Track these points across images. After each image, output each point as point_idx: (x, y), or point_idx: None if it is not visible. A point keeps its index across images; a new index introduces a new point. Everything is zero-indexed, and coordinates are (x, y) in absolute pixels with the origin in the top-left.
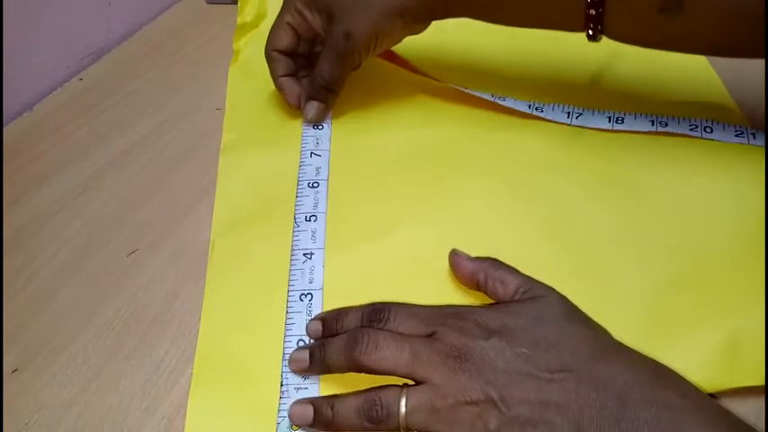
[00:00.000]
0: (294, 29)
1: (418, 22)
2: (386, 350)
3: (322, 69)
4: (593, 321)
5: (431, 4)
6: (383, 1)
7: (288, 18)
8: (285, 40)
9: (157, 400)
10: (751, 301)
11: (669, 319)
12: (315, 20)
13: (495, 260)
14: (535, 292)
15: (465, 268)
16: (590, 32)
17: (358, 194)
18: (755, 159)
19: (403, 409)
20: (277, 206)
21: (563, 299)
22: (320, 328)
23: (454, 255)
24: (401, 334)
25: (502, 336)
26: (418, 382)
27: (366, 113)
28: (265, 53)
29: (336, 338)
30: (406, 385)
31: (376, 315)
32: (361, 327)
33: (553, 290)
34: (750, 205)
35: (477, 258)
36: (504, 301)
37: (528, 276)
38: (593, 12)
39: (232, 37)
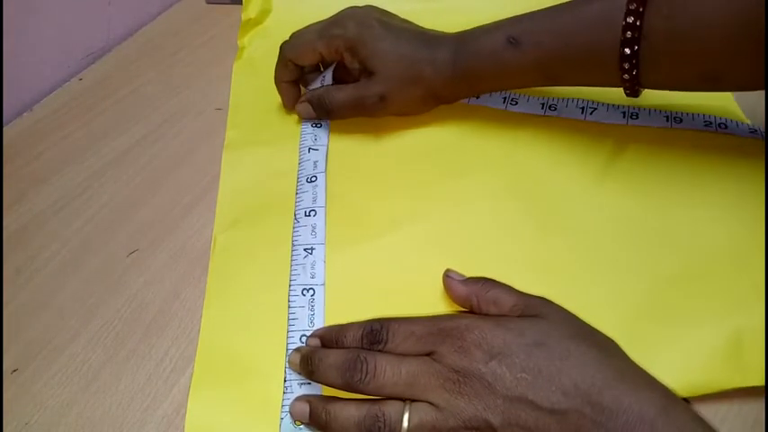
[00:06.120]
0: (322, 56)
1: (446, 103)
2: (383, 378)
3: (336, 98)
4: (601, 335)
5: (463, 93)
6: (425, 86)
7: (321, 48)
8: (307, 60)
9: (157, 400)
10: (753, 302)
11: (671, 319)
12: (352, 64)
13: (487, 281)
14: (535, 310)
15: (457, 292)
16: (627, 93)
17: (358, 190)
18: (761, 158)
19: (405, 425)
20: (278, 203)
21: (566, 315)
22: (319, 344)
23: (447, 277)
24: (398, 355)
25: (502, 359)
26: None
27: None
28: (280, 57)
29: (331, 356)
30: (409, 400)
31: (375, 336)
32: (360, 348)
33: (553, 305)
34: (754, 204)
35: (470, 280)
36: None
37: (524, 294)
38: (626, 78)
39: (232, 37)
